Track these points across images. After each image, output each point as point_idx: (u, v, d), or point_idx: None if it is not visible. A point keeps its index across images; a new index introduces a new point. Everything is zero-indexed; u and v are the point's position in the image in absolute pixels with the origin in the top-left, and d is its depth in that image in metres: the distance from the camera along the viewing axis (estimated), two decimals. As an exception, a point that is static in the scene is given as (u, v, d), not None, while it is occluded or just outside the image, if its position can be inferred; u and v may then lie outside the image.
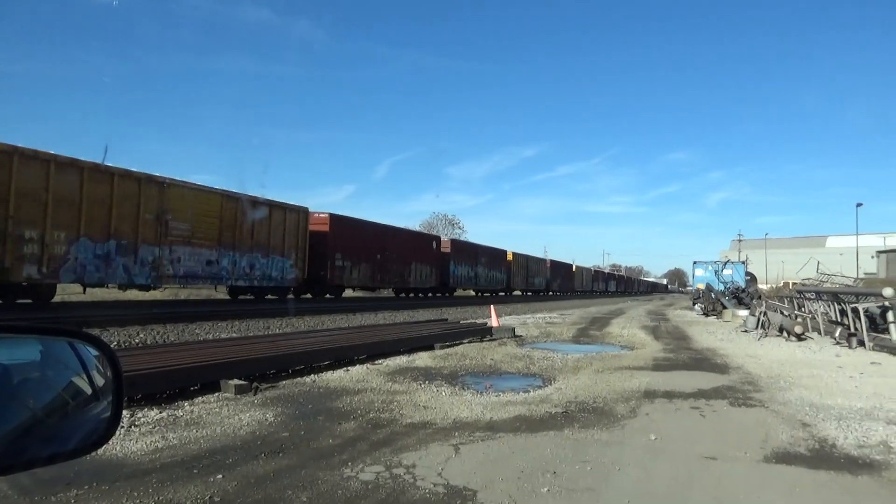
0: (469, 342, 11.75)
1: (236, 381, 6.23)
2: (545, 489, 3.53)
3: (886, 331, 13.15)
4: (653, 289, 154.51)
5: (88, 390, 1.20)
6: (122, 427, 4.62)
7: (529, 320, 19.87)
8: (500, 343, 12.00)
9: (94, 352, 1.23)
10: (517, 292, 50.71)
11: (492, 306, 16.94)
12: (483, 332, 13.00)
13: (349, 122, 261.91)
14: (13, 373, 1.08)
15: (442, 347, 10.58)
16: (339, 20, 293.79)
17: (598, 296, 70.46)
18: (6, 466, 1.01)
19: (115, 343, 9.90)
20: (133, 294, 18.86)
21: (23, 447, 1.03)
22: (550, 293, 59.26)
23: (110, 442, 4.13)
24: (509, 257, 47.35)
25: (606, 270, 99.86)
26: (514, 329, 14.04)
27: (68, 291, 20.50)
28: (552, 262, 61.26)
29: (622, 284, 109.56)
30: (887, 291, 13.16)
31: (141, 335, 11.06)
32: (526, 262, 51.75)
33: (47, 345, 1.18)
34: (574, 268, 71.06)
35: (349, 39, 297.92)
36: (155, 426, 4.76)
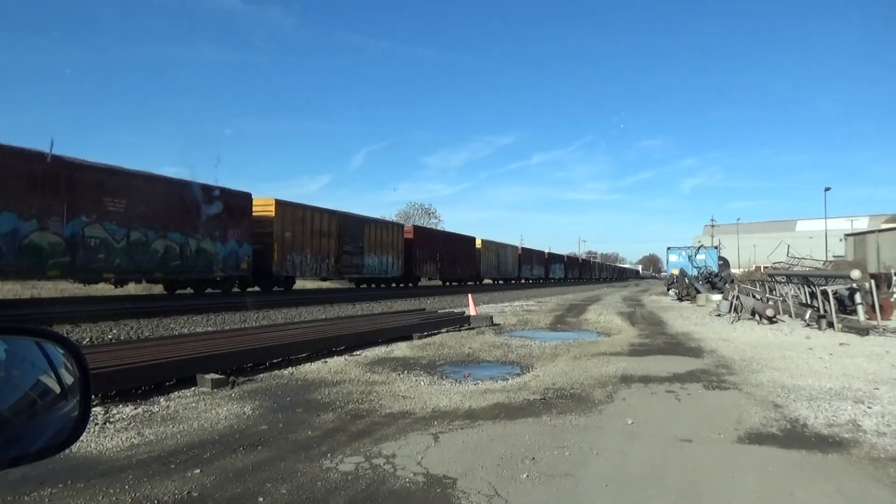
0: (447, 331, 11.77)
1: (213, 376, 6.17)
2: (524, 475, 3.56)
3: (854, 312, 13.48)
4: (620, 275, 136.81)
5: (57, 389, 1.18)
6: (97, 424, 4.55)
7: (507, 309, 19.97)
8: (478, 332, 12.05)
9: (61, 350, 1.20)
10: (311, 285, 29.74)
11: (469, 295, 16.97)
12: (461, 322, 13.04)
13: (323, 112, 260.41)
14: None
15: (420, 337, 10.58)
16: (309, 7, 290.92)
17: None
18: None
19: (88, 339, 9.73)
20: (107, 289, 18.55)
21: None
22: (410, 285, 35.25)
23: (85, 439, 4.09)
24: (267, 211, 22.29)
25: (548, 252, 71.63)
26: (491, 317, 14.11)
27: (39, 286, 20.09)
28: (418, 229, 36.49)
29: (575, 270, 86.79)
30: (855, 274, 13.48)
31: (114, 331, 10.88)
32: (335, 227, 26.27)
33: (12, 344, 1.15)
34: (479, 243, 46.13)
35: (320, 27, 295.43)
36: (130, 422, 4.70)
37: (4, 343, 1.13)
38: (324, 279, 27.99)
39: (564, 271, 78.81)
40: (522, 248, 60.81)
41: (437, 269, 38.32)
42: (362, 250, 29.08)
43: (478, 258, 46.00)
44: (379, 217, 33.60)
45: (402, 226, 35.35)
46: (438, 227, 61.96)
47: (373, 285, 32.16)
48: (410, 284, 35.75)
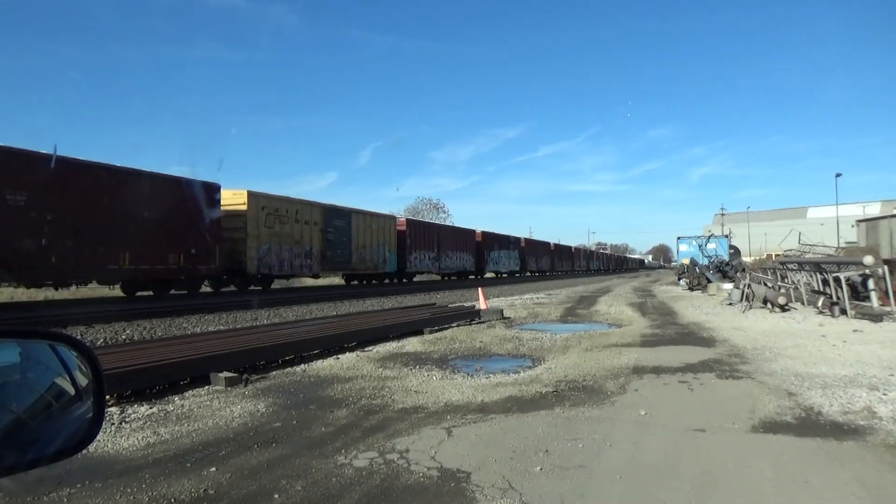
0: (458, 326, 11.78)
1: (226, 374, 6.21)
2: (538, 468, 3.56)
3: (867, 298, 13.37)
4: (620, 265, 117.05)
5: (71, 391, 1.19)
6: (113, 424, 4.59)
7: (518, 302, 19.96)
8: (488, 325, 12.05)
9: (74, 352, 1.21)
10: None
11: (480, 289, 16.98)
12: (471, 316, 13.05)
13: (328, 109, 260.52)
14: None
15: (431, 332, 10.60)
16: (312, 4, 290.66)
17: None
18: None
19: (102, 340, 9.82)
20: (118, 290, 18.71)
21: (3, 452, 1.01)
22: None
23: (101, 439, 4.12)
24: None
25: (481, 232, 44.40)
26: (502, 311, 14.11)
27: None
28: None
29: (542, 260, 60.12)
30: (867, 260, 13.36)
31: (128, 331, 10.97)
32: None
33: (27, 347, 1.16)
34: (243, 201, 21.44)
35: (323, 23, 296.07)
36: (146, 422, 4.74)
37: (19, 346, 1.15)
38: None
39: (520, 262, 52.43)
40: (408, 221, 34.79)
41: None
42: None
43: (238, 236, 21.15)
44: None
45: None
46: (447, 223, 55.67)
47: None
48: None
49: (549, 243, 66.29)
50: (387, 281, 32.69)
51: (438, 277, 38.96)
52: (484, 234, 45.13)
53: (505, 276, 48.96)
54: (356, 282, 31.41)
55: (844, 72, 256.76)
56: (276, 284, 25.65)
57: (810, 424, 4.47)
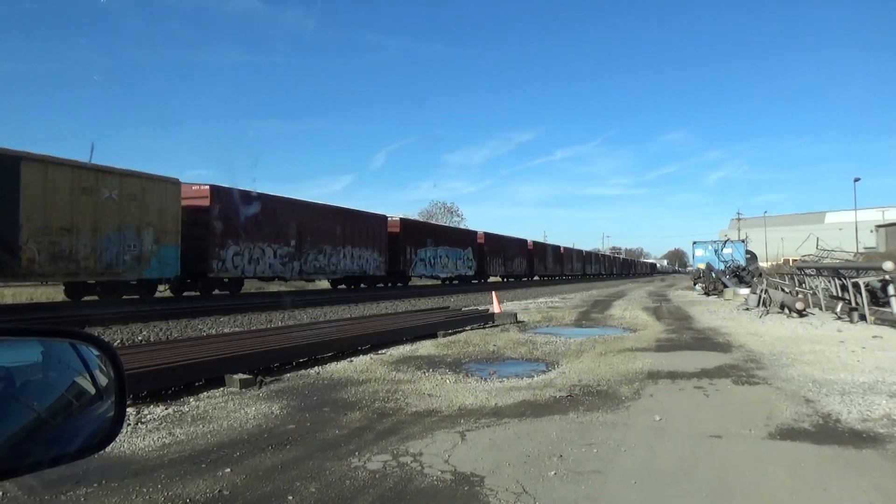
0: (472, 329, 11.77)
1: (241, 376, 6.25)
2: (552, 473, 3.54)
3: (887, 304, 13.16)
4: (626, 269, 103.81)
5: (92, 390, 1.20)
6: (129, 424, 4.64)
7: (533, 306, 19.90)
8: (502, 329, 12.02)
9: (95, 351, 1.23)
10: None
11: (494, 292, 16.95)
12: (485, 319, 13.02)
13: (344, 112, 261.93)
14: (15, 375, 1.07)
15: (445, 335, 10.59)
16: (328, 8, 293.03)
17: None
18: (10, 469, 1.01)
19: (119, 341, 9.91)
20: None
21: (27, 449, 1.02)
22: None
23: (118, 440, 4.15)
24: None
25: (397, 220, 30.35)
26: (516, 314, 14.07)
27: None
28: None
29: (510, 262, 46.13)
30: (887, 265, 13.15)
31: (144, 332, 11.07)
32: None
33: (48, 346, 1.17)
34: None
35: (339, 27, 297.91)
36: (161, 422, 4.78)
37: (41, 345, 1.16)
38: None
39: (476, 265, 39.53)
40: (214, 191, 18.83)
41: None
42: None
43: None
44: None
45: None
46: (462, 227, 54.36)
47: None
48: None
49: (524, 241, 50.96)
50: (199, 294, 19.75)
51: (327, 285, 27.98)
52: (404, 222, 31.77)
53: (455, 282, 37.31)
54: (95, 297, 16.66)
55: (862, 74, 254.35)
56: None
57: (828, 431, 4.41)
